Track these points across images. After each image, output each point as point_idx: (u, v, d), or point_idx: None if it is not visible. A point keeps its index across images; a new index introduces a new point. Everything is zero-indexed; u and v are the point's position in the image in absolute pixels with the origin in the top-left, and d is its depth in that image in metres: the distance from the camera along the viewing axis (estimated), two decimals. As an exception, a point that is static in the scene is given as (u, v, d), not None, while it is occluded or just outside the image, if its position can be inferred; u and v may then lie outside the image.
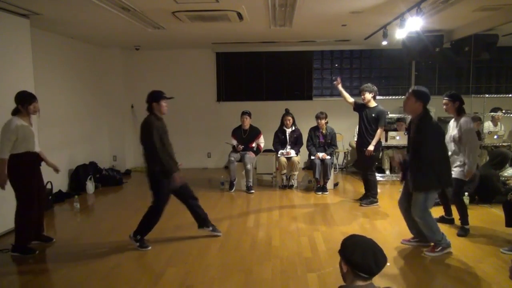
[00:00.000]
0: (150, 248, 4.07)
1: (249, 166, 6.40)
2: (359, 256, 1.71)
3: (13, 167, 3.83)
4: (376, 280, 3.20)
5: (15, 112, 3.91)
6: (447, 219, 4.66)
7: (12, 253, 3.94)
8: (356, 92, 8.64)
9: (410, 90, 3.77)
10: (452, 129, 4.32)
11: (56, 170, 4.28)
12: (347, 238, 1.83)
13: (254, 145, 6.65)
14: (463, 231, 4.29)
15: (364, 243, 1.77)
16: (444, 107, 4.31)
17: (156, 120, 4.20)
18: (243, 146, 6.54)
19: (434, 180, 3.63)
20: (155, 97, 4.32)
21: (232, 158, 6.43)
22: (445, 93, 4.33)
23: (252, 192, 6.39)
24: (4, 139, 3.75)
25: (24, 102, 3.88)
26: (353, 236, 1.83)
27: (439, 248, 3.78)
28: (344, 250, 1.77)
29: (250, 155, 6.51)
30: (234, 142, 6.59)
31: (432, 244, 3.83)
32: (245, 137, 6.60)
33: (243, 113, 6.59)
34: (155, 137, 3.98)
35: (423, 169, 3.60)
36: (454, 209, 4.56)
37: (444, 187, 4.01)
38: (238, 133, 6.64)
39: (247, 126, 6.61)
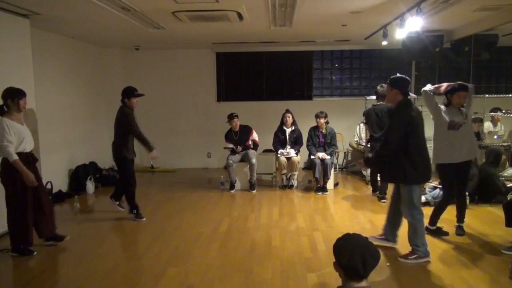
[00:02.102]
0: (144, 219, 5.07)
1: (254, 160, 6.41)
2: (346, 258, 1.66)
3: (6, 170, 3.75)
4: (376, 279, 3.22)
5: (2, 111, 3.76)
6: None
7: (12, 253, 3.93)
8: (356, 92, 8.69)
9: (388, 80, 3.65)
10: (454, 116, 4.08)
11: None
12: (339, 238, 1.77)
13: (250, 142, 6.66)
14: (462, 230, 4.28)
15: (354, 244, 1.70)
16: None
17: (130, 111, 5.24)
18: (242, 147, 6.54)
19: (412, 172, 3.46)
20: (128, 93, 5.37)
21: (231, 161, 6.42)
22: (460, 83, 4.11)
23: (255, 191, 6.40)
24: (5, 142, 3.63)
25: (15, 96, 3.75)
26: (346, 236, 1.77)
27: (414, 256, 3.60)
28: (334, 250, 1.74)
29: (251, 152, 6.54)
30: (232, 145, 6.59)
31: (410, 249, 3.66)
32: (238, 138, 6.59)
33: (233, 117, 6.53)
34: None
35: (399, 160, 3.46)
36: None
37: (424, 181, 3.79)
38: (230, 136, 6.63)
39: (237, 128, 6.60)
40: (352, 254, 1.66)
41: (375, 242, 3.63)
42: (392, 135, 3.50)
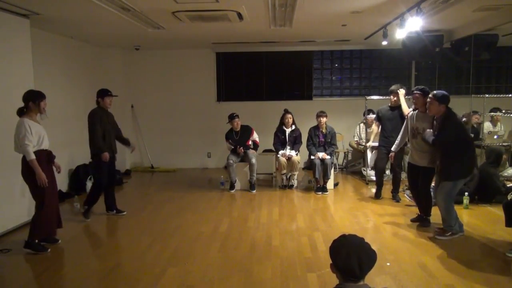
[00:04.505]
0: (90, 219, 5.04)
1: (253, 160, 6.41)
2: (343, 259, 1.68)
3: (26, 166, 3.86)
4: (376, 279, 3.22)
5: (21, 113, 3.89)
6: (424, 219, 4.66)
7: (24, 248, 3.96)
8: (356, 92, 8.68)
9: (431, 95, 4.09)
10: (418, 122, 4.50)
11: (58, 169, 4.27)
12: (335, 240, 1.79)
13: (250, 142, 6.67)
14: (428, 222, 4.60)
15: (349, 245, 1.72)
16: (414, 100, 4.54)
17: (100, 111, 5.14)
18: (244, 149, 6.54)
19: (462, 170, 4.05)
20: (100, 94, 5.24)
21: (231, 161, 6.42)
22: (416, 87, 4.60)
23: (255, 191, 6.40)
24: (26, 142, 3.75)
25: (36, 98, 3.89)
26: (341, 238, 1.78)
27: (449, 233, 4.16)
28: (330, 252, 1.75)
29: (251, 152, 6.55)
30: (233, 146, 6.59)
31: (443, 228, 4.21)
32: (239, 138, 6.59)
33: (234, 117, 6.55)
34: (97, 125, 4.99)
35: (454, 161, 3.99)
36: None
37: (469, 175, 4.29)
38: (231, 136, 6.64)
39: (238, 128, 6.61)
40: (348, 255, 1.67)
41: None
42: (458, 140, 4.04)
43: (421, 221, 4.63)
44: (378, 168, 5.82)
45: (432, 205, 4.62)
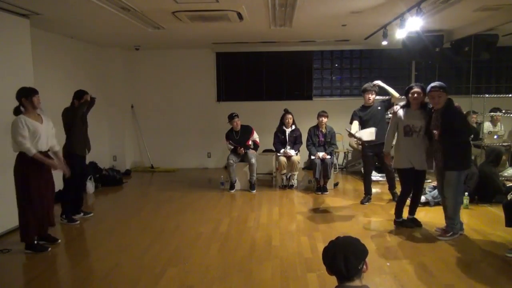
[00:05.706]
0: (78, 222, 4.95)
1: (253, 160, 6.42)
2: (329, 259, 1.70)
3: (19, 165, 3.85)
4: (376, 279, 3.22)
5: (18, 112, 3.87)
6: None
7: (26, 250, 3.97)
8: (356, 92, 8.68)
9: (438, 89, 3.98)
10: (411, 120, 4.28)
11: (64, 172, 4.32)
12: (330, 241, 1.81)
13: (250, 142, 6.67)
14: (412, 222, 4.54)
15: (337, 246, 1.73)
16: (416, 95, 4.24)
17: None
18: (244, 149, 6.54)
19: (466, 159, 4.06)
20: (77, 95, 5.15)
21: (231, 161, 6.42)
22: (416, 83, 4.39)
23: (255, 191, 6.40)
24: (19, 138, 3.73)
25: (28, 94, 3.87)
26: (333, 240, 1.80)
27: (450, 234, 4.13)
28: (322, 256, 1.77)
29: (251, 152, 6.55)
30: (232, 146, 6.59)
31: (444, 228, 4.19)
32: (239, 138, 6.60)
33: (233, 117, 6.55)
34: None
35: (459, 150, 3.98)
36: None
37: (469, 167, 4.30)
38: (231, 136, 6.64)
39: (238, 127, 6.61)
40: (334, 256, 1.69)
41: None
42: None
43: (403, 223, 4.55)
44: (367, 171, 5.66)
45: (433, 205, 4.61)
